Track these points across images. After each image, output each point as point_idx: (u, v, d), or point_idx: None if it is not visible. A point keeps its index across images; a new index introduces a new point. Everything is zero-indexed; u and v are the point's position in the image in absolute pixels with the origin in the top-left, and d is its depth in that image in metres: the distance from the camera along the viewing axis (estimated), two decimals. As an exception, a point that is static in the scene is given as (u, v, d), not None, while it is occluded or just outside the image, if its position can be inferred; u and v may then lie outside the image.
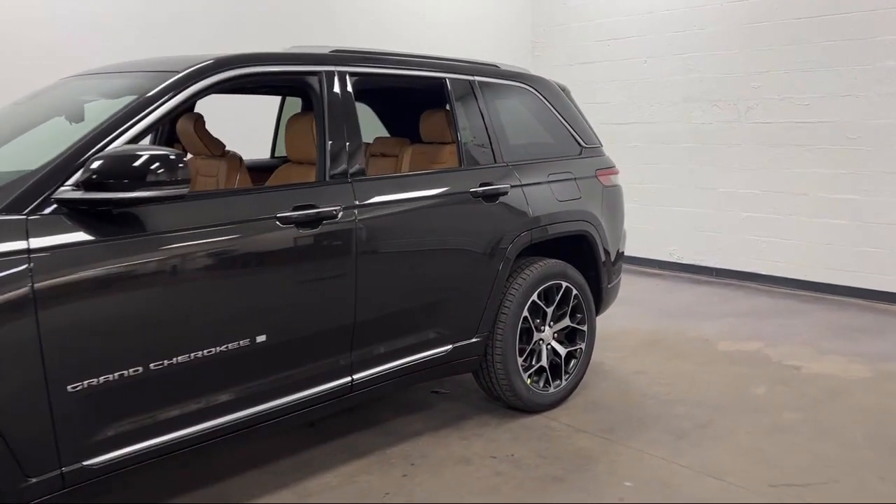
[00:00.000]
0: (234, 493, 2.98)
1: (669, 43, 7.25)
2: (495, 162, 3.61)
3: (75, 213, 2.21)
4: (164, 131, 3.93)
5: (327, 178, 2.92)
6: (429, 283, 3.28)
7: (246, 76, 2.78)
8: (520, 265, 3.66)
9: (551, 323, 3.78)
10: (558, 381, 3.82)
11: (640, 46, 7.50)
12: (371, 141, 4.43)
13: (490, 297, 3.49)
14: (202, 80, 2.62)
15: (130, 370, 2.31)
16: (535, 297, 3.64)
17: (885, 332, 5.29)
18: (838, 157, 6.23)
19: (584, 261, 4.02)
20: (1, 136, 2.80)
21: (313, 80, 3.00)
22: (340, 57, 3.12)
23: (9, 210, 2.12)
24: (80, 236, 2.20)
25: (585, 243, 4.00)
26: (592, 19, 7.89)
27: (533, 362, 3.72)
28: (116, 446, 2.32)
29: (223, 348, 2.53)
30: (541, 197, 3.72)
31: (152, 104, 2.48)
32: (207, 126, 3.63)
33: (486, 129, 3.62)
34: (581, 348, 3.92)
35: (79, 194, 2.18)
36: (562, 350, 3.83)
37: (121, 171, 2.17)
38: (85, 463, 2.25)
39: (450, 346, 3.38)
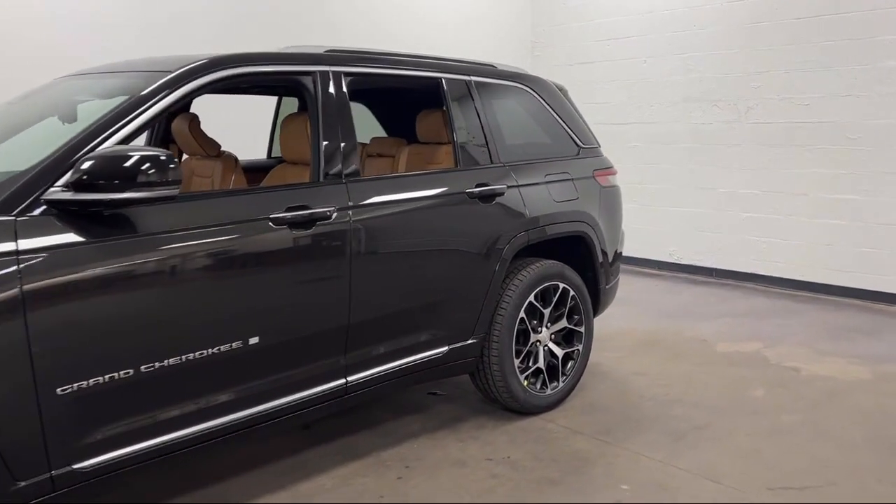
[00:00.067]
0: (228, 494, 2.97)
1: (669, 43, 7.23)
2: (492, 162, 3.59)
3: (65, 214, 2.19)
4: (160, 131, 3.92)
5: (321, 179, 2.90)
6: (424, 284, 3.26)
7: (239, 76, 2.76)
8: (516, 266, 3.63)
9: (548, 324, 3.76)
10: (555, 383, 3.80)
11: (639, 46, 7.48)
12: (368, 141, 4.42)
13: (486, 299, 3.47)
14: (194, 80, 2.60)
15: (121, 373, 2.29)
16: (531, 298, 3.62)
17: (883, 333, 5.27)
18: (838, 157, 6.21)
19: (582, 262, 4.00)
20: (-6, 137, 2.79)
21: (307, 81, 2.98)
22: (335, 57, 3.10)
23: (-2, 211, 2.10)
24: (70, 238, 2.18)
25: (583, 244, 3.98)
26: (592, 19, 7.87)
27: (530, 364, 3.70)
28: (107, 449, 2.30)
29: (215, 350, 2.51)
30: (538, 197, 3.70)
31: (144, 104, 2.46)
32: (205, 126, 3.61)
33: (483, 129, 3.60)
34: (578, 350, 3.90)
35: (69, 195, 2.16)
36: (559, 351, 3.81)
37: (111, 172, 2.15)
38: (75, 466, 2.23)
39: (446, 348, 3.36)
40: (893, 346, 4.95)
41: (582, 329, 3.90)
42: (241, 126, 4.76)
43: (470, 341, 3.46)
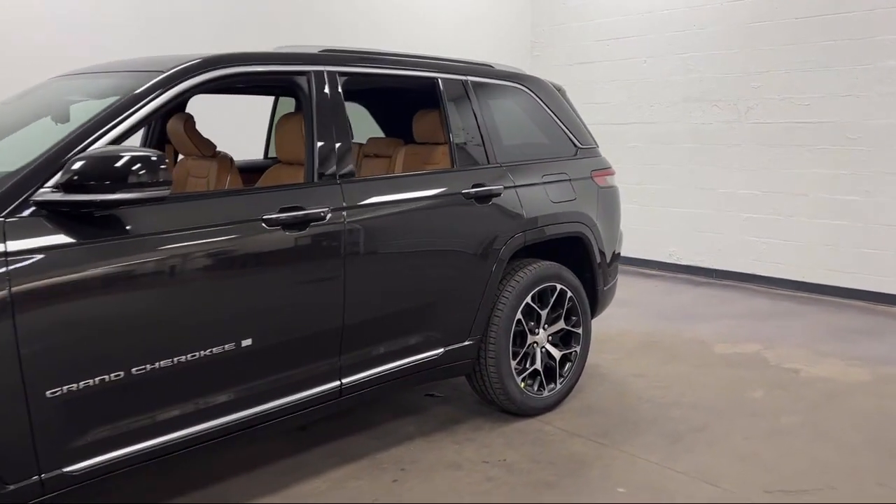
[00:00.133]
0: (225, 495, 2.95)
1: (669, 43, 7.21)
2: (488, 163, 3.57)
3: (55, 215, 2.18)
4: (156, 132, 3.90)
5: (316, 180, 2.89)
6: (420, 285, 3.24)
7: (233, 76, 2.74)
8: (513, 267, 3.61)
9: (546, 326, 3.74)
10: (553, 385, 3.78)
11: (639, 46, 7.45)
12: (365, 142, 4.40)
13: (483, 300, 3.45)
14: (187, 79, 2.58)
15: (112, 375, 2.27)
16: (528, 299, 3.60)
17: (884, 335, 5.24)
18: (838, 157, 6.19)
19: (580, 263, 3.98)
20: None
21: (302, 80, 2.96)
22: (329, 57, 3.08)
23: (-14, 212, 2.09)
24: (61, 239, 2.16)
25: (581, 245, 3.95)
26: (592, 19, 7.85)
27: (527, 365, 3.68)
28: (98, 452, 2.29)
29: (207, 352, 2.49)
30: (535, 198, 3.67)
31: (136, 104, 2.45)
32: (204, 127, 3.59)
33: (480, 129, 3.58)
34: (576, 351, 3.88)
35: (58, 196, 2.15)
36: (556, 353, 3.79)
37: (102, 173, 2.13)
38: (65, 469, 2.22)
39: (441, 350, 3.34)
40: (894, 348, 4.92)
41: (580, 330, 3.88)
42: (239, 126, 4.74)
43: (466, 343, 3.44)
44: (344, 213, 2.88)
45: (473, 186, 3.41)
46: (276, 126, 3.43)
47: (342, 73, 3.07)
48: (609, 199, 4.18)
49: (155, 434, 2.42)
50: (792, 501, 2.93)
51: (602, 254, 4.06)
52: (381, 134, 4.80)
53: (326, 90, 2.98)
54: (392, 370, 3.15)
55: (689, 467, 3.20)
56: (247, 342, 2.60)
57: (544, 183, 3.76)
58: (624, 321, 5.47)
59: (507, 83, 3.87)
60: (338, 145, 2.96)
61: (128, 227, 2.30)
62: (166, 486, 3.00)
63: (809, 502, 2.93)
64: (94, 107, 2.47)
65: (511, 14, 8.25)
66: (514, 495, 2.97)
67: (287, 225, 2.69)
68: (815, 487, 3.04)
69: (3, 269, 2.03)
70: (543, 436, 3.52)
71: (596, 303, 4.09)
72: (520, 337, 3.63)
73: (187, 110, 3.74)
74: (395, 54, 3.45)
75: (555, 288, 3.72)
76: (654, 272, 7.50)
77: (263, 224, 2.63)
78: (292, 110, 4.27)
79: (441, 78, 3.51)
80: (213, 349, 2.51)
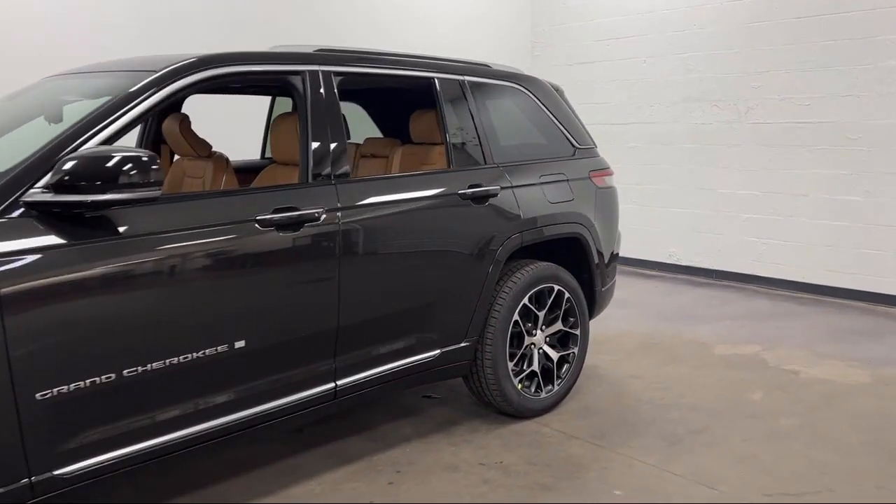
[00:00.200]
0: (218, 498, 2.93)
1: (669, 43, 7.18)
2: (485, 163, 3.54)
3: (46, 216, 2.16)
4: (151, 132, 3.89)
5: (310, 180, 2.86)
6: (415, 286, 3.22)
7: (226, 76, 2.73)
8: (510, 268, 3.59)
9: (543, 327, 3.71)
10: (550, 386, 3.75)
11: (639, 46, 7.43)
12: (362, 142, 4.38)
13: (479, 301, 3.43)
14: (180, 79, 2.56)
15: (102, 377, 2.25)
16: (525, 300, 3.58)
17: (884, 336, 5.22)
18: (839, 157, 6.16)
19: (578, 263, 3.96)
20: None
21: (296, 80, 2.94)
22: (324, 56, 3.06)
23: (-25, 213, 2.07)
24: (51, 240, 2.14)
25: (578, 246, 3.93)
26: (592, 19, 7.82)
27: (524, 367, 3.66)
28: (89, 455, 2.27)
29: (200, 354, 2.47)
30: (532, 199, 3.65)
31: (128, 103, 2.43)
32: (200, 127, 3.58)
33: (476, 129, 3.56)
34: (574, 353, 3.86)
35: (48, 196, 2.13)
36: (554, 354, 3.77)
37: (92, 173, 2.12)
38: (55, 472, 2.20)
39: (438, 351, 3.32)
40: (894, 349, 4.90)
41: (577, 332, 3.86)
42: (236, 127, 4.72)
43: (463, 344, 3.42)
44: (339, 213, 2.85)
45: (470, 187, 3.39)
46: (272, 126, 3.42)
47: (337, 73, 3.05)
48: (607, 200, 4.15)
49: (147, 436, 2.40)
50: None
51: (600, 254, 4.03)
52: (379, 134, 4.78)
53: (321, 90, 2.96)
54: (388, 372, 3.13)
55: (687, 470, 3.17)
56: (240, 344, 2.58)
57: (542, 183, 3.74)
58: (623, 322, 5.45)
59: (504, 83, 3.84)
60: (333, 145, 2.94)
61: (119, 229, 2.28)
62: (165, 487, 2.99)
63: (808, 505, 2.92)
64: (88, 106, 2.45)
65: (511, 14, 8.23)
66: (511, 498, 2.95)
67: (281, 226, 2.67)
68: (814, 490, 3.02)
69: (-8, 271, 2.01)
70: (540, 438, 3.50)
71: (594, 304, 4.06)
72: (517, 338, 3.61)
73: (183, 110, 3.73)
74: (391, 54, 3.43)
75: (552, 289, 3.70)
76: (653, 273, 7.48)
77: (257, 225, 2.61)
78: (290, 110, 4.25)
79: (437, 78, 3.49)
80: (206, 351, 2.49)
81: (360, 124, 4.76)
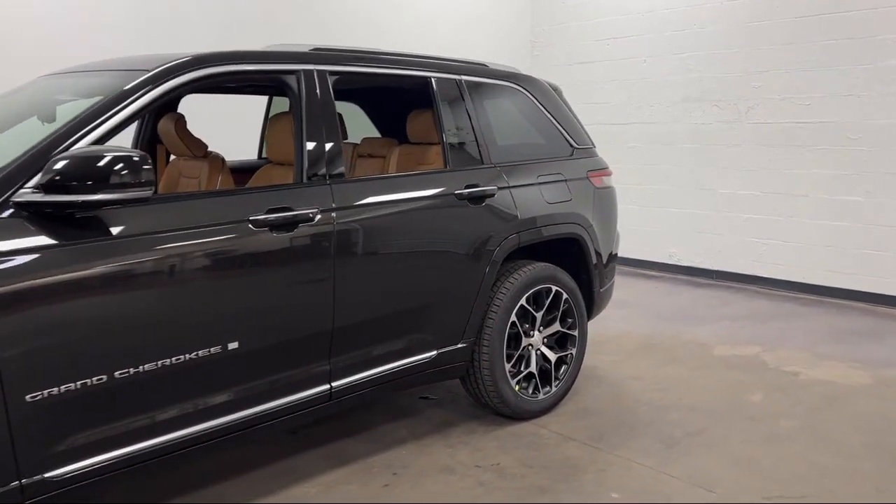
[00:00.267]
0: (215, 499, 2.91)
1: (669, 42, 7.16)
2: (482, 163, 3.52)
3: (36, 216, 2.14)
4: (147, 132, 3.87)
5: (305, 180, 2.84)
6: (411, 287, 3.19)
7: (221, 75, 2.71)
8: (508, 269, 3.57)
9: (541, 328, 3.69)
10: (548, 388, 3.73)
11: (639, 46, 7.41)
12: (360, 142, 4.36)
13: (476, 302, 3.40)
14: (173, 78, 2.54)
15: (94, 379, 2.23)
16: (523, 301, 3.55)
17: (885, 337, 5.19)
18: (839, 157, 6.13)
19: (576, 264, 3.93)
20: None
21: (291, 80, 2.92)
22: (320, 56, 3.04)
23: (-35, 213, 2.05)
24: (42, 241, 2.12)
25: (576, 246, 3.90)
26: (591, 19, 7.80)
27: (522, 368, 3.63)
28: (80, 457, 2.25)
29: (193, 356, 2.45)
30: (530, 199, 3.63)
31: (120, 103, 2.41)
32: (197, 127, 3.56)
33: (474, 129, 3.53)
34: (572, 354, 3.83)
35: (39, 197, 2.11)
36: (552, 355, 3.74)
37: (83, 173, 2.10)
38: (46, 475, 2.18)
39: (434, 352, 3.30)
40: (895, 350, 4.87)
41: (575, 333, 3.83)
42: (233, 126, 4.70)
43: (460, 345, 3.40)
44: (333, 213, 2.83)
45: (467, 187, 3.37)
46: (268, 126, 3.40)
47: (332, 73, 3.03)
48: (605, 200, 4.13)
49: (139, 439, 2.38)
50: (789, 507, 2.89)
51: (598, 255, 4.01)
52: (377, 134, 4.76)
53: (316, 90, 2.94)
54: (383, 373, 3.11)
55: (685, 472, 3.15)
56: (233, 345, 2.56)
57: (539, 183, 3.72)
58: (623, 322, 5.42)
59: (502, 83, 3.82)
60: (328, 145, 2.92)
61: (111, 229, 2.26)
62: (164, 487, 2.97)
63: (807, 508, 2.89)
64: (82, 106, 2.43)
65: (511, 14, 8.21)
66: (507, 500, 2.93)
67: (275, 226, 2.65)
68: (814, 492, 2.99)
69: (-19, 272, 1.99)
70: (538, 440, 3.47)
71: (592, 305, 4.04)
72: (514, 339, 3.58)
73: (179, 110, 3.72)
74: (388, 53, 3.41)
75: (550, 290, 3.68)
76: (653, 273, 7.45)
77: (250, 225, 2.59)
78: (287, 110, 4.23)
79: (434, 77, 3.47)
80: (199, 352, 2.47)
81: (360, 124, 4.74)
